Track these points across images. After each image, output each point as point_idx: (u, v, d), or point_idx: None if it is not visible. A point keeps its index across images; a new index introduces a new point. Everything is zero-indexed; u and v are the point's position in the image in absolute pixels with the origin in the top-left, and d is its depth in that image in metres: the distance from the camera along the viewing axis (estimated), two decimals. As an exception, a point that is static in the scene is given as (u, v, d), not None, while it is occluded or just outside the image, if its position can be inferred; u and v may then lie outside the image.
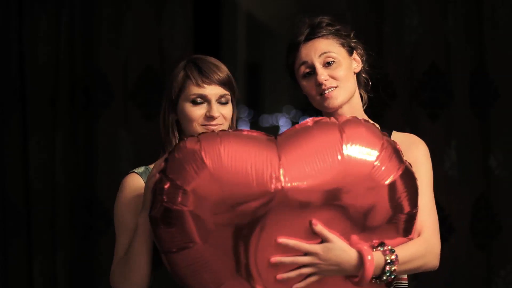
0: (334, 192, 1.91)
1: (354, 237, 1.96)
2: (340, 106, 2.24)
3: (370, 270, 1.94)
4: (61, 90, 3.79)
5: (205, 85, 2.18)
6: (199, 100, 2.18)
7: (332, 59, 2.22)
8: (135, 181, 2.18)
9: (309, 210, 1.91)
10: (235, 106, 2.26)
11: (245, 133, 1.97)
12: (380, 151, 1.94)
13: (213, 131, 1.96)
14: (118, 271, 2.10)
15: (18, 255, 3.77)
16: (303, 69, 2.25)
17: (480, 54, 3.50)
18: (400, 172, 1.96)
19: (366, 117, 2.29)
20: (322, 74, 2.21)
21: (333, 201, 1.92)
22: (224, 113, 2.20)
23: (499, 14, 3.48)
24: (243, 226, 1.91)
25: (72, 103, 3.80)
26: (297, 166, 1.90)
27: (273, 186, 1.88)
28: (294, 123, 9.77)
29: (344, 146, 1.92)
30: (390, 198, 1.95)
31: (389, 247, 1.97)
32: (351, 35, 2.31)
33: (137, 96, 3.78)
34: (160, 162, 1.98)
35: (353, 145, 1.93)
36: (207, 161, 1.90)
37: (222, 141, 1.92)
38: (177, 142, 2.21)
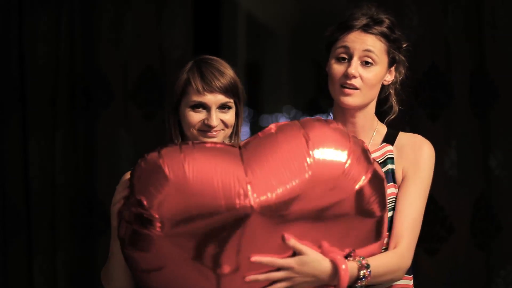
0: (303, 203, 1.87)
1: (325, 244, 1.93)
2: (354, 108, 2.20)
3: (345, 279, 1.92)
4: (61, 90, 3.79)
5: (206, 93, 2.13)
6: (199, 107, 2.15)
7: (371, 61, 2.17)
8: None
9: (280, 223, 1.87)
10: (242, 111, 2.22)
11: (209, 145, 1.92)
12: (349, 155, 1.90)
13: (175, 144, 1.92)
14: (104, 273, 2.12)
15: (18, 255, 3.77)
16: (340, 52, 2.18)
17: (480, 54, 3.50)
18: (369, 175, 1.92)
19: (375, 126, 2.26)
20: (355, 68, 2.15)
21: (303, 213, 1.88)
22: (225, 119, 2.16)
23: (499, 14, 3.48)
24: (214, 245, 1.86)
25: (72, 103, 3.80)
26: (264, 180, 1.85)
27: (242, 203, 1.83)
28: (294, 123, 9.78)
29: (310, 153, 1.88)
30: (360, 202, 1.91)
31: (366, 262, 1.96)
32: (402, 49, 2.26)
33: (137, 96, 3.78)
34: (124, 183, 1.94)
35: (320, 151, 1.88)
36: (171, 180, 1.84)
37: (185, 157, 1.86)
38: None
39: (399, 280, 2.12)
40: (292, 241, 1.90)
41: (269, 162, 1.87)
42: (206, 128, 2.14)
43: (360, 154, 1.92)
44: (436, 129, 3.51)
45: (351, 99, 2.17)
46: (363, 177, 1.90)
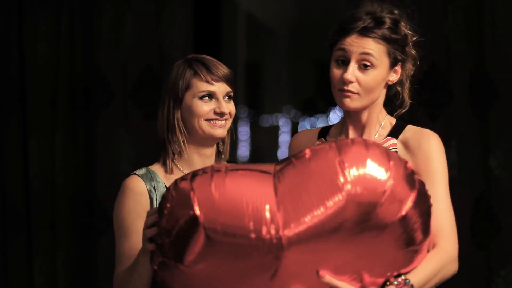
0: (339, 237, 1.80)
1: (366, 277, 1.87)
2: (354, 110, 2.17)
3: None
4: (61, 90, 3.79)
5: (213, 82, 2.21)
6: (207, 97, 2.21)
7: (369, 64, 2.12)
8: (136, 184, 2.17)
9: (314, 258, 1.81)
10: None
11: (240, 172, 1.82)
12: (387, 181, 1.79)
13: (205, 172, 1.83)
14: (119, 283, 2.09)
15: (18, 255, 3.77)
16: (339, 54, 2.14)
17: (480, 54, 3.50)
18: (412, 201, 1.82)
19: (381, 120, 2.22)
20: (351, 74, 2.11)
21: (338, 246, 1.81)
22: (230, 109, 2.23)
23: (499, 14, 3.48)
24: (248, 279, 1.81)
25: (72, 103, 3.80)
26: (297, 214, 1.77)
27: (273, 240, 1.76)
28: (294, 123, 9.78)
29: (345, 183, 1.77)
30: (401, 232, 1.83)
31: (404, 278, 1.91)
32: (408, 46, 2.20)
33: (137, 96, 3.79)
34: (155, 210, 1.88)
35: (356, 181, 1.77)
36: (201, 214, 1.76)
37: (216, 188, 1.78)
38: (184, 139, 2.21)
39: (454, 273, 2.05)
40: (328, 278, 1.84)
41: (301, 195, 1.78)
42: (216, 116, 2.21)
43: (402, 177, 1.81)
44: (436, 129, 3.50)
45: (350, 102, 2.14)
46: (404, 205, 1.80)
